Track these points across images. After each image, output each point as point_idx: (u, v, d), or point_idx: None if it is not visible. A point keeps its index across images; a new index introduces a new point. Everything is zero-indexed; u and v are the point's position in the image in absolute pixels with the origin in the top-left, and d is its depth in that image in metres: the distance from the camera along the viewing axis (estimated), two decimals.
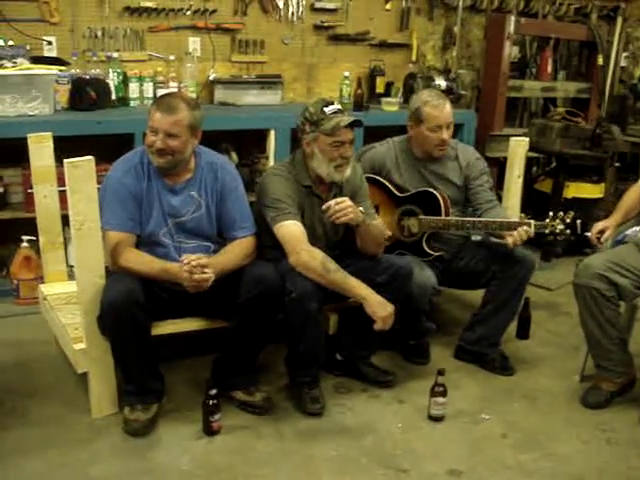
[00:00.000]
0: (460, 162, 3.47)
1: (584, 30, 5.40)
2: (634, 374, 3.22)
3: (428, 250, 3.34)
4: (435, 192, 3.35)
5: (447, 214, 3.32)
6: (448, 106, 3.35)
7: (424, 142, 3.37)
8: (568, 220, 3.13)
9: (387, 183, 3.41)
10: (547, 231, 3.16)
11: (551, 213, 3.16)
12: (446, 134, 3.34)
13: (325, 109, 2.90)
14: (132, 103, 4.05)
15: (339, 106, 2.95)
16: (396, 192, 3.41)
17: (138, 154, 2.82)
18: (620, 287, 3.01)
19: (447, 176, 3.45)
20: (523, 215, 3.24)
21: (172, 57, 4.17)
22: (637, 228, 3.39)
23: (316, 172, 2.98)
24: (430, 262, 3.33)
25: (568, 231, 3.14)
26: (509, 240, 3.12)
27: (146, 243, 2.77)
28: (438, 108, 3.31)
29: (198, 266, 2.60)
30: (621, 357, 3.13)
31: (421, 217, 3.33)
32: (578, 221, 3.07)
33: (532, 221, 3.15)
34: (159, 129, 2.68)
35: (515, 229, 3.13)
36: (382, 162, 3.45)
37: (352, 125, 2.89)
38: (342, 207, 2.82)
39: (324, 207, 2.85)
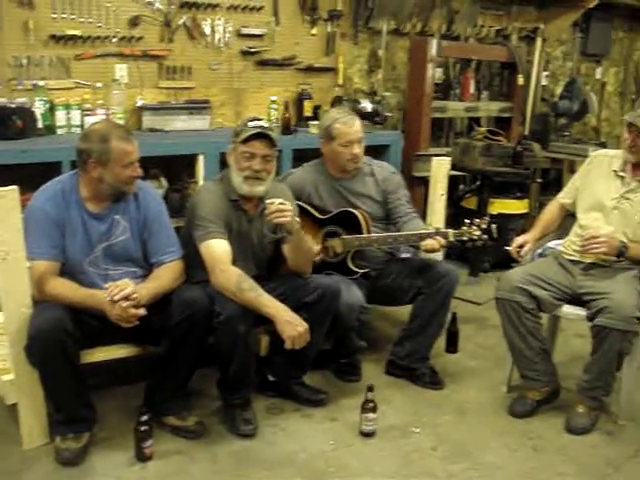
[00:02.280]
0: (376, 177, 3.55)
1: (504, 51, 5.57)
2: (558, 383, 3.32)
3: (354, 268, 3.40)
4: (355, 211, 3.42)
5: (368, 231, 3.39)
6: (358, 122, 3.44)
7: (337, 158, 3.45)
8: (484, 226, 3.22)
9: (308, 207, 3.47)
10: (465, 238, 3.24)
11: (467, 221, 3.25)
12: (357, 149, 3.42)
13: (249, 122, 2.98)
14: (59, 131, 4.02)
15: (265, 123, 3.02)
16: (317, 215, 3.47)
17: (60, 182, 2.81)
18: (540, 299, 3.13)
19: (366, 192, 3.53)
20: (440, 226, 3.33)
21: (99, 84, 4.16)
22: (557, 242, 3.52)
23: (233, 185, 3.03)
24: (357, 281, 3.38)
25: (485, 236, 3.22)
26: (423, 245, 3.21)
27: (70, 272, 2.75)
28: (348, 124, 3.40)
29: (122, 298, 2.59)
30: (544, 367, 3.23)
31: (344, 237, 3.39)
32: (493, 225, 3.16)
33: (450, 230, 3.25)
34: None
35: (433, 239, 3.21)
36: (301, 187, 3.51)
37: (262, 137, 2.95)
38: (283, 208, 2.86)
39: (267, 202, 2.88)
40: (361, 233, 3.38)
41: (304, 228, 3.34)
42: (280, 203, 2.86)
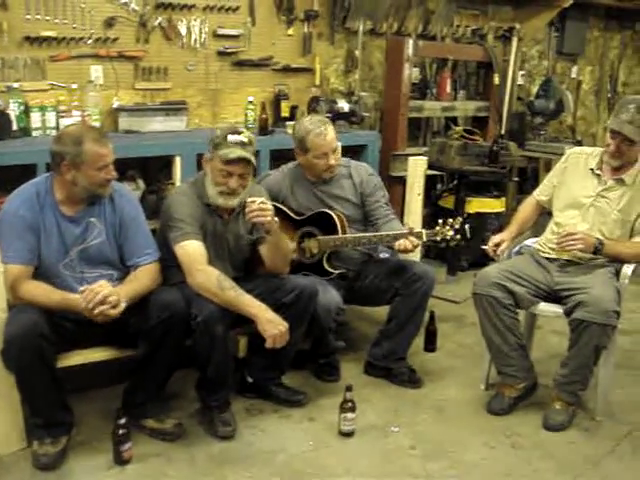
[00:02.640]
0: (354, 179, 3.55)
1: (480, 51, 5.60)
2: (535, 379, 3.35)
3: (329, 269, 3.41)
4: (330, 212, 3.43)
5: (344, 232, 3.39)
6: (331, 131, 3.42)
7: (313, 168, 3.47)
8: (457, 226, 3.21)
9: (284, 208, 3.47)
10: (439, 238, 3.23)
11: (441, 221, 3.25)
12: (332, 159, 3.42)
13: (229, 137, 2.93)
14: (34, 133, 3.98)
15: (244, 138, 2.94)
16: (294, 216, 3.48)
17: (35, 185, 2.79)
18: (517, 295, 3.15)
19: (343, 195, 3.53)
20: (414, 226, 3.32)
21: (74, 86, 4.12)
22: (533, 240, 3.54)
23: (207, 193, 3.02)
24: (335, 282, 3.39)
25: (458, 236, 3.21)
26: (397, 244, 3.20)
27: (46, 275, 2.73)
28: (321, 136, 3.37)
29: (97, 305, 2.57)
30: (522, 363, 3.26)
31: (319, 237, 3.40)
32: (466, 226, 3.15)
33: (423, 230, 3.25)
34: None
35: (406, 239, 3.21)
36: (277, 189, 3.52)
37: (241, 161, 2.92)
38: (264, 207, 2.87)
39: (248, 200, 2.88)
40: (337, 234, 3.38)
41: (280, 229, 3.34)
42: (261, 202, 2.86)
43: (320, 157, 3.41)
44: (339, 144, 3.51)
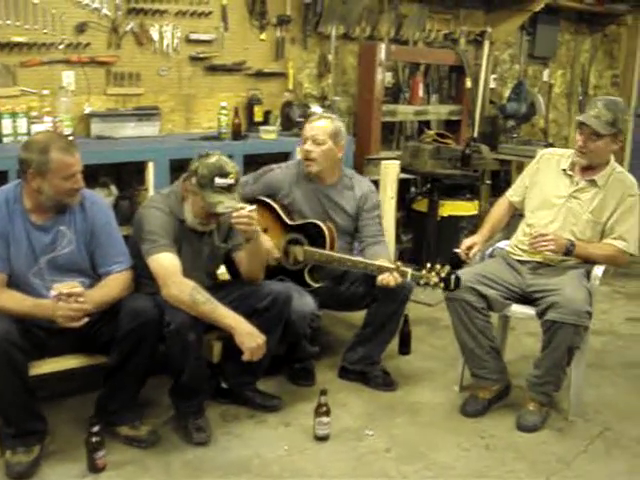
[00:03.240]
0: (355, 193, 3.54)
1: (452, 55, 5.64)
2: (509, 381, 3.38)
3: (310, 281, 3.39)
4: (322, 226, 3.40)
5: (332, 247, 3.37)
6: (321, 123, 3.46)
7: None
8: (443, 274, 3.06)
9: (278, 209, 3.46)
10: (422, 282, 3.12)
11: (429, 265, 3.10)
12: (309, 146, 3.41)
13: (216, 180, 2.86)
14: (5, 140, 3.95)
15: (231, 181, 2.88)
16: (286, 219, 3.47)
17: (4, 192, 2.77)
18: (489, 298, 3.18)
19: (342, 204, 3.52)
20: (400, 263, 3.21)
21: (46, 92, 4.09)
22: (506, 242, 3.57)
23: (184, 215, 3.00)
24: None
25: (442, 284, 3.06)
26: (379, 279, 3.14)
27: (16, 284, 2.71)
28: (311, 124, 3.45)
29: (72, 295, 2.58)
30: (495, 365, 3.29)
31: (307, 248, 3.38)
32: (452, 276, 3.04)
33: (409, 270, 3.15)
34: None
35: (391, 274, 3.14)
36: (279, 185, 3.51)
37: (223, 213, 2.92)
38: (253, 216, 2.87)
39: (239, 206, 2.87)
40: (324, 248, 3.36)
41: (269, 229, 3.34)
42: (250, 210, 2.85)
43: (304, 143, 3.44)
44: (327, 139, 3.44)
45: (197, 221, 2.98)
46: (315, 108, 4.70)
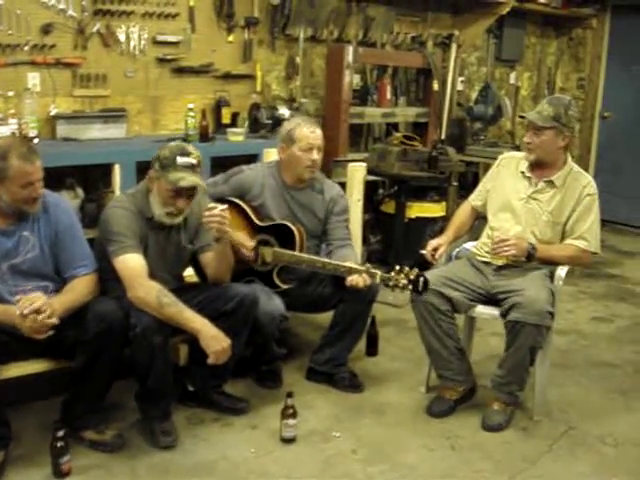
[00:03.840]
0: (325, 196, 3.56)
1: (420, 58, 5.67)
2: (474, 382, 3.41)
3: (279, 283, 3.39)
4: (292, 227, 3.41)
5: (302, 249, 3.39)
6: (319, 131, 3.50)
7: (295, 164, 3.46)
8: (411, 277, 3.08)
9: (248, 210, 3.47)
10: (390, 284, 3.13)
11: (397, 267, 3.13)
12: (316, 155, 3.44)
13: (178, 159, 2.88)
14: None
15: (194, 160, 2.91)
16: (256, 220, 3.46)
17: None
18: (454, 300, 3.21)
19: (311, 207, 3.54)
20: (369, 265, 3.24)
21: (11, 93, 4.06)
22: (472, 243, 3.60)
23: (152, 210, 2.99)
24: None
25: (410, 286, 3.08)
26: (349, 279, 3.16)
27: None
28: (311, 129, 3.45)
29: (32, 312, 2.54)
30: (460, 366, 3.31)
31: (276, 249, 3.39)
32: (421, 279, 3.06)
33: (378, 272, 3.16)
34: None
35: (360, 275, 3.16)
36: (249, 187, 3.50)
37: (191, 189, 2.92)
38: (224, 215, 2.86)
39: (210, 206, 2.87)
40: (294, 250, 3.37)
41: (238, 230, 3.33)
42: (221, 210, 2.85)
43: (306, 150, 3.42)
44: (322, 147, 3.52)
45: (164, 211, 2.95)
46: (283, 110, 4.71)
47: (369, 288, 3.25)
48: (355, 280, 3.15)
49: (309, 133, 3.44)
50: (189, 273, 3.35)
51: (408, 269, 3.08)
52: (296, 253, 3.36)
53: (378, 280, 3.17)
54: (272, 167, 3.59)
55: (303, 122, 3.51)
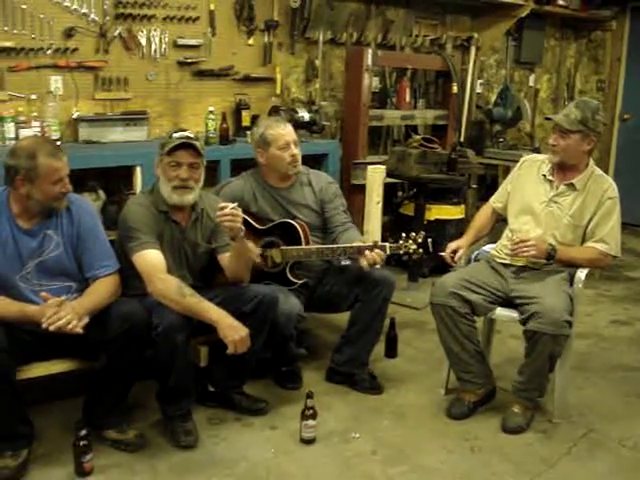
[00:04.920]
0: (314, 187, 3.60)
1: (439, 60, 5.67)
2: (494, 384, 3.41)
3: (292, 279, 3.42)
4: (294, 222, 3.46)
5: (307, 242, 3.43)
6: (289, 125, 3.55)
7: (277, 164, 3.49)
8: (420, 240, 3.22)
9: (247, 217, 3.47)
10: (402, 252, 3.25)
11: (404, 234, 3.25)
12: (295, 149, 3.48)
13: (174, 134, 3.04)
14: None
15: (190, 134, 3.06)
16: (256, 225, 3.49)
17: None
18: (473, 303, 3.20)
19: (304, 202, 3.57)
20: (377, 240, 3.34)
21: (34, 96, 4.10)
22: (491, 246, 3.60)
23: (163, 196, 3.05)
24: (295, 290, 3.41)
25: (421, 250, 3.23)
26: (363, 263, 3.21)
27: (2, 288, 2.72)
28: (280, 127, 3.49)
29: (57, 329, 2.58)
30: (480, 369, 3.31)
31: (282, 247, 3.42)
32: (429, 240, 3.17)
33: (387, 244, 3.25)
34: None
35: (372, 252, 3.22)
36: (240, 195, 3.51)
37: (187, 146, 2.99)
38: (236, 213, 2.89)
39: (221, 204, 2.90)
40: (300, 244, 3.40)
41: None
42: (233, 207, 2.88)
43: (283, 148, 3.45)
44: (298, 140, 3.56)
45: (171, 187, 3.02)
46: (302, 113, 4.73)
47: (383, 285, 3.33)
48: (370, 258, 3.18)
49: (281, 131, 3.48)
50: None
51: (414, 234, 3.20)
52: (303, 247, 3.40)
53: (388, 251, 3.24)
54: (254, 174, 3.63)
55: (271, 122, 3.56)
